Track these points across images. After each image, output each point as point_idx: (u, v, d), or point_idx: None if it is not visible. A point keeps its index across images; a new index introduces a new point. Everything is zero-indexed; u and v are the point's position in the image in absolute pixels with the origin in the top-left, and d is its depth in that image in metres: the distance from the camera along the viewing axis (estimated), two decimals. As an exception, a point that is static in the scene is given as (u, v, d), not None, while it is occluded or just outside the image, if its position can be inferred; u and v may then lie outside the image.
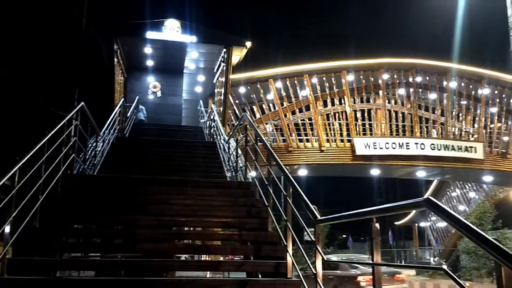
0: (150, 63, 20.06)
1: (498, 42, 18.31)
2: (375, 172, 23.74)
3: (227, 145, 9.41)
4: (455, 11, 20.07)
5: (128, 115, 14.87)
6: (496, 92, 22.72)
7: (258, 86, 20.88)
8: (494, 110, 23.02)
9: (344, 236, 46.55)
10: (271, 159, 5.78)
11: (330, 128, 21.87)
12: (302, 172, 23.39)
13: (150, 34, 18.20)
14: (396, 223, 40.28)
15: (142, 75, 20.72)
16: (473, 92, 22.84)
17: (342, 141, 21.46)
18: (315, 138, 21.27)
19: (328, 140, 21.42)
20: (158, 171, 8.29)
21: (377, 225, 2.79)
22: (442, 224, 39.85)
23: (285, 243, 4.66)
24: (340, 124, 22.15)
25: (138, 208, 5.99)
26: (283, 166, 5.07)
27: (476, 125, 22.80)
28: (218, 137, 11.14)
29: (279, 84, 21.02)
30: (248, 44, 18.48)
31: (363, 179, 28.41)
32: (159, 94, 20.47)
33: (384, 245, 45.02)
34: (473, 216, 21.61)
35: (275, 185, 5.61)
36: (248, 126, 7.80)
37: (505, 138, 22.80)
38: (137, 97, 17.41)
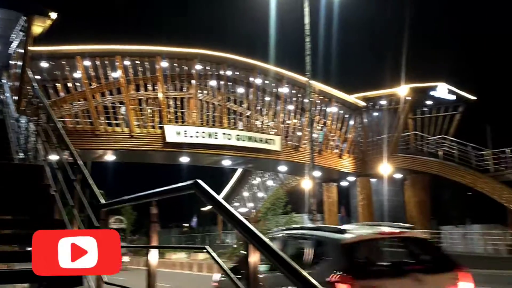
0: None
1: (300, 46, 20.51)
2: (184, 159, 24.27)
3: (18, 124, 8.43)
4: (267, 14, 21.70)
5: None
6: (293, 91, 25.44)
7: (64, 62, 19.26)
8: (291, 107, 25.77)
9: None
10: (62, 141, 5.38)
11: (141, 114, 21.54)
12: (110, 158, 22.53)
13: None
14: (203, 209, 41.89)
15: None
16: (274, 90, 25.14)
17: (153, 127, 21.35)
18: (125, 123, 20.69)
19: (138, 126, 21.07)
20: None
21: (156, 208, 2.85)
22: (245, 209, 43.11)
23: (71, 230, 4.40)
24: (152, 110, 22.00)
25: None
26: (72, 149, 4.78)
27: (275, 120, 25.16)
28: (8, 114, 9.88)
29: (87, 62, 19.76)
30: (54, 15, 16.78)
31: (175, 166, 28.72)
32: None
33: (191, 230, 46.60)
34: (268, 202, 23.87)
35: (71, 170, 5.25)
36: (43, 104, 7.10)
37: (299, 133, 25.74)
38: None
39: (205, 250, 2.44)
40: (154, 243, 2.85)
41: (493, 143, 24.07)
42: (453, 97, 26.51)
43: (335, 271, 4.36)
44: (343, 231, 5.03)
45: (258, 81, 24.30)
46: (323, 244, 5.04)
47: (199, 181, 2.32)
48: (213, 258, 2.26)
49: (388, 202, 26.72)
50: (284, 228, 6.82)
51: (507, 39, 33.80)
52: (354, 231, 5.24)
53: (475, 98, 27.11)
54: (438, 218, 28.29)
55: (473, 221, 26.42)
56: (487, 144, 23.82)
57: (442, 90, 26.04)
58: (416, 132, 27.06)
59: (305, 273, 1.70)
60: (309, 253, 5.04)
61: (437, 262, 5.11)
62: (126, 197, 3.03)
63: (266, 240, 1.91)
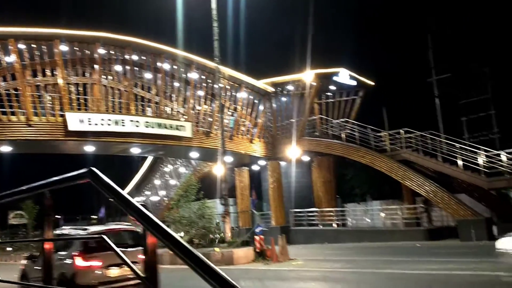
0: None
1: (209, 31, 20.37)
2: (90, 148, 23.15)
3: None
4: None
5: None
6: (203, 77, 25.27)
7: None
8: (201, 93, 25.60)
9: (57, 217, 44.11)
10: None
11: (40, 101, 20.13)
12: (6, 149, 20.84)
13: None
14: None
15: None
16: (184, 75, 24.78)
17: (53, 115, 20.08)
18: (22, 111, 19.22)
19: (37, 114, 19.68)
20: None
21: (50, 199, 2.71)
22: (156, 198, 42.37)
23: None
24: (51, 97, 20.65)
25: None
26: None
27: (186, 106, 24.87)
28: None
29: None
30: None
31: (82, 156, 27.17)
32: None
33: (99, 221, 44.74)
34: (181, 189, 23.65)
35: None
36: None
37: (210, 119, 25.71)
38: None
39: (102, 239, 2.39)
40: (49, 236, 2.72)
41: (389, 125, 25.93)
42: (354, 83, 28.14)
43: (78, 250, 8.77)
44: (85, 229, 10.01)
45: (167, 66, 23.79)
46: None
47: (94, 169, 2.25)
48: (110, 246, 2.22)
49: (297, 184, 27.83)
50: (65, 227, 11.04)
51: (403, 25, 36.30)
52: (93, 228, 9.89)
53: (373, 83, 29.00)
54: (342, 197, 30.07)
55: (373, 197, 28.49)
56: (384, 126, 25.59)
57: (344, 76, 27.52)
58: (322, 116, 28.36)
59: (196, 251, 1.77)
60: (72, 241, 9.17)
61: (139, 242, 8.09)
62: (16, 189, 2.84)
63: (163, 226, 1.93)
